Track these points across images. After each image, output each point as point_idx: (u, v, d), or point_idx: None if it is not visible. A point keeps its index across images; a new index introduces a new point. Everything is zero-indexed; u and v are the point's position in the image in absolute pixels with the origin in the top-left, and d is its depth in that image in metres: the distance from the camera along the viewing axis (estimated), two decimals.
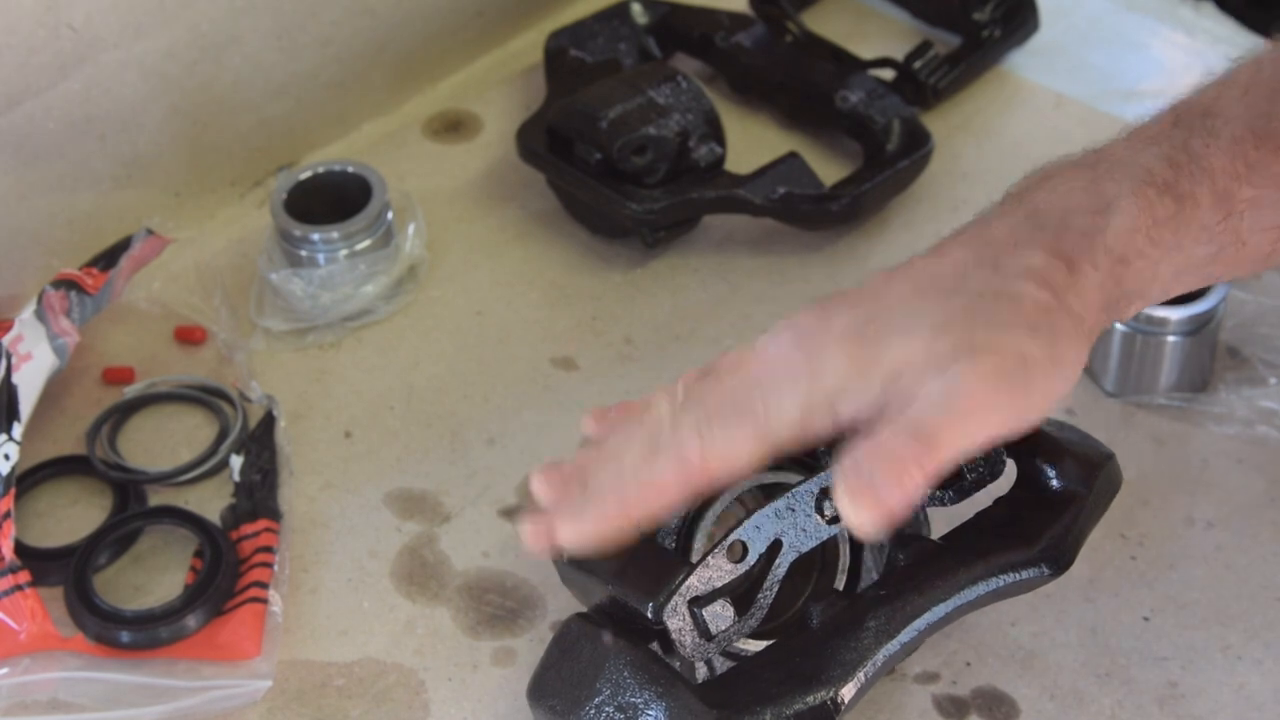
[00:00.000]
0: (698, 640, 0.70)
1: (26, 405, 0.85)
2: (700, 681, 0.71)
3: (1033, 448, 0.75)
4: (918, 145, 1.04)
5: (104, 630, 0.81)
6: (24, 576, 0.81)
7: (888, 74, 1.10)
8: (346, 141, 1.12)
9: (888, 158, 1.03)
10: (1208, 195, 0.68)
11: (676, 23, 1.15)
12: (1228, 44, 1.15)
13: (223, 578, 0.82)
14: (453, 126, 1.13)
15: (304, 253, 0.97)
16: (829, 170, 1.04)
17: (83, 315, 0.91)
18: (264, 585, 0.83)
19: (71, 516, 0.88)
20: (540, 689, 0.70)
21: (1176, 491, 0.87)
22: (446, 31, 1.14)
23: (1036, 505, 0.74)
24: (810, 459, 0.75)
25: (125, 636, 0.80)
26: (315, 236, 0.97)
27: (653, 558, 0.71)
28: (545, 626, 0.82)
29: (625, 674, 0.67)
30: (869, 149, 1.05)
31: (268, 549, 0.84)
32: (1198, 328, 0.89)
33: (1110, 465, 0.76)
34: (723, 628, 0.70)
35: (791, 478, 0.74)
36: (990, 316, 0.63)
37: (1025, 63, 1.15)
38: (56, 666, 0.80)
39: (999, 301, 0.63)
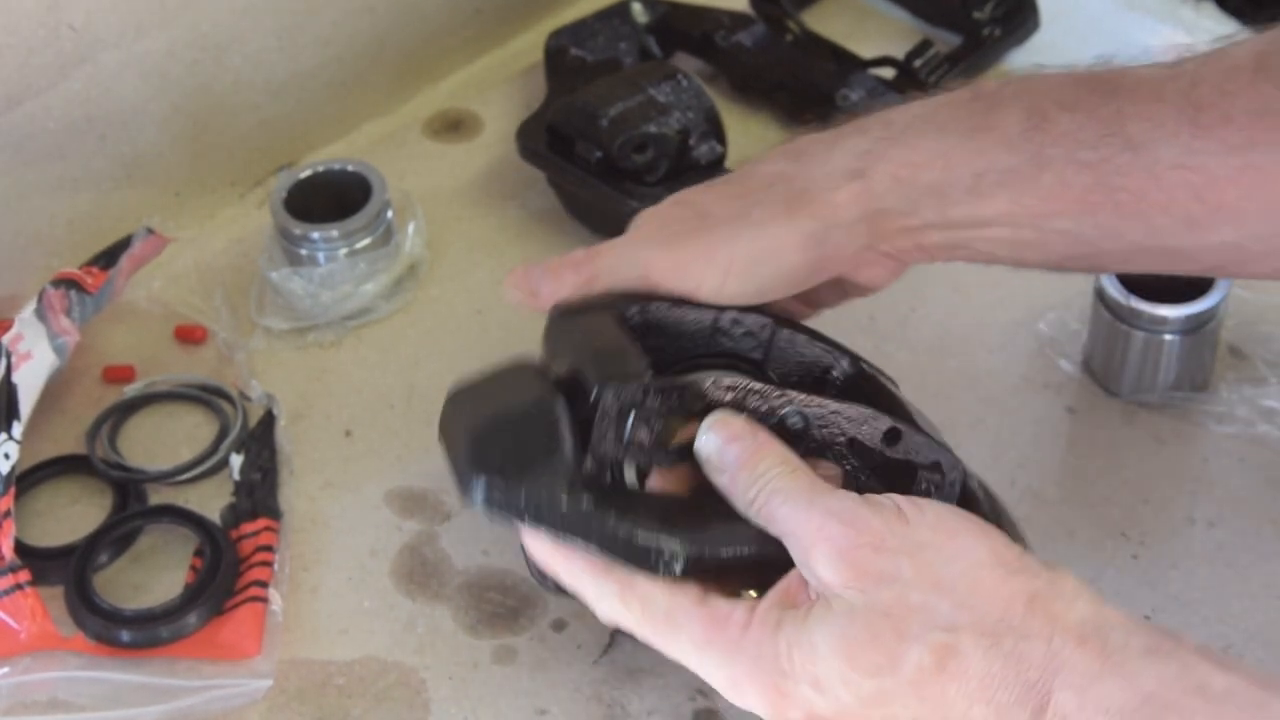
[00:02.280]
0: (613, 443, 0.67)
1: (26, 405, 0.84)
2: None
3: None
4: None
5: (104, 630, 0.80)
6: (24, 576, 0.81)
7: (888, 73, 1.10)
8: (346, 141, 1.12)
9: None
10: (1019, 109, 0.71)
11: (677, 22, 1.15)
12: None
13: (223, 577, 0.82)
14: (453, 126, 1.13)
15: (304, 252, 0.97)
16: None
17: (83, 314, 0.90)
18: (264, 584, 0.82)
19: (71, 516, 0.88)
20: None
21: (1177, 491, 0.87)
22: (446, 31, 1.14)
23: None
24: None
25: (125, 636, 0.80)
26: (315, 235, 0.97)
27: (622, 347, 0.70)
28: (546, 625, 0.82)
29: (544, 419, 0.67)
30: None
31: (268, 548, 0.84)
32: (1198, 326, 0.88)
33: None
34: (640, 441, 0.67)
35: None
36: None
37: (1025, 62, 1.15)
38: (57, 666, 0.80)
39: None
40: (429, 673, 0.80)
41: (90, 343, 0.95)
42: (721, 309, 0.74)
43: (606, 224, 1.03)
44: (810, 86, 1.09)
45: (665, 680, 0.79)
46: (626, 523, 0.65)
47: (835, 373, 0.75)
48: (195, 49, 0.99)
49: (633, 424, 0.67)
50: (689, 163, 1.00)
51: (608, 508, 0.65)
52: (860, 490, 0.66)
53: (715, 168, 1.01)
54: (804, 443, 0.70)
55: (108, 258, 0.93)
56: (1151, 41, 1.17)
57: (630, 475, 0.70)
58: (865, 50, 1.11)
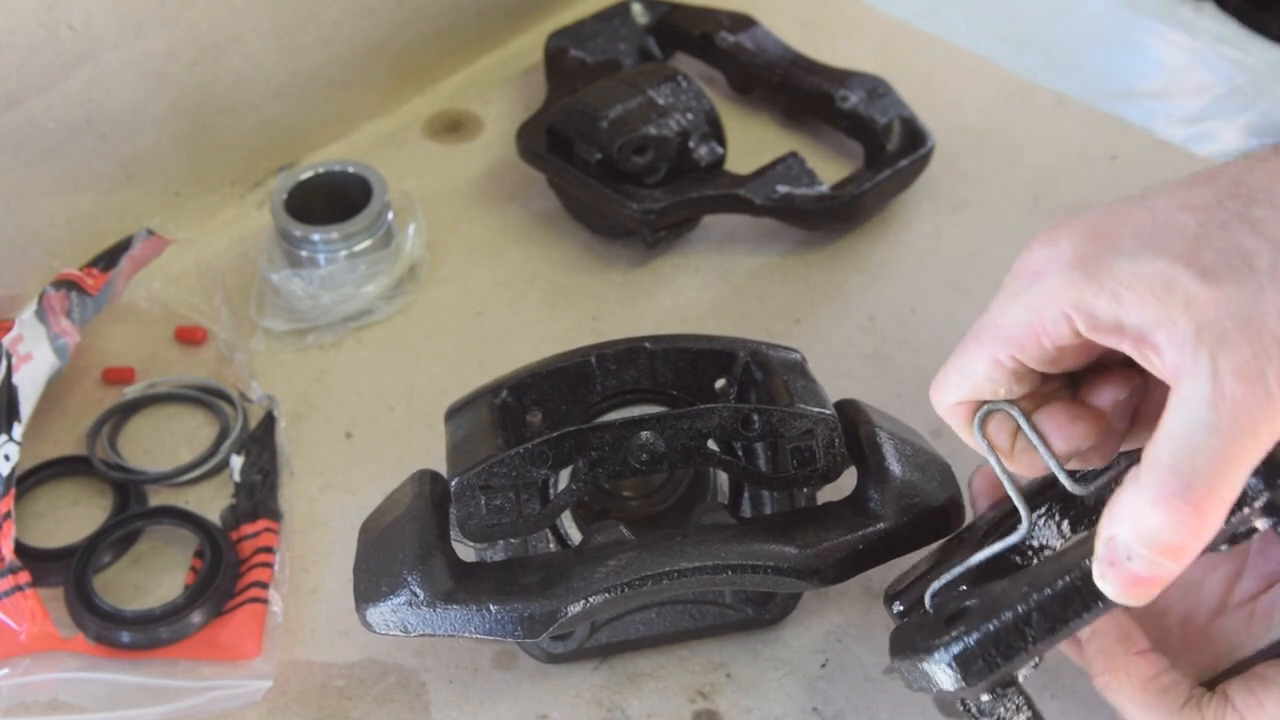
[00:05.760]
0: (482, 520, 0.74)
1: (27, 405, 0.84)
2: (475, 561, 0.76)
3: (869, 466, 0.75)
4: (918, 145, 1.04)
5: (104, 630, 0.81)
6: (24, 577, 0.81)
7: None
8: (346, 141, 1.12)
9: (888, 158, 1.03)
10: None
11: (677, 23, 1.15)
12: (1228, 44, 1.15)
13: (223, 578, 0.82)
14: (453, 126, 1.14)
15: (304, 253, 0.97)
16: (829, 170, 1.04)
17: (83, 315, 0.91)
18: (264, 585, 0.83)
19: (72, 517, 0.88)
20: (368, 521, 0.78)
21: None
22: (446, 31, 1.14)
23: (841, 517, 0.75)
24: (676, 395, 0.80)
25: (125, 637, 0.80)
26: (316, 237, 0.97)
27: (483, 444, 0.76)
28: None
29: (407, 529, 0.73)
30: (869, 149, 1.06)
31: (268, 549, 0.84)
32: None
33: (933, 510, 0.75)
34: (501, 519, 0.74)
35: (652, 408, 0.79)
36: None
37: (1025, 62, 1.15)
38: (57, 667, 0.80)
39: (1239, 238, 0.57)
40: (429, 675, 0.80)
41: (90, 344, 0.95)
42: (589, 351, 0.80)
43: (606, 226, 1.03)
44: (810, 87, 1.09)
45: (665, 684, 0.79)
46: (472, 606, 0.71)
47: (735, 366, 0.80)
48: (195, 49, 0.99)
49: (485, 499, 0.73)
50: (689, 164, 1.00)
51: (452, 600, 0.71)
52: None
53: (715, 169, 1.01)
54: (669, 459, 0.75)
55: (108, 259, 0.93)
56: (1151, 42, 1.17)
57: (571, 528, 0.78)
58: None
